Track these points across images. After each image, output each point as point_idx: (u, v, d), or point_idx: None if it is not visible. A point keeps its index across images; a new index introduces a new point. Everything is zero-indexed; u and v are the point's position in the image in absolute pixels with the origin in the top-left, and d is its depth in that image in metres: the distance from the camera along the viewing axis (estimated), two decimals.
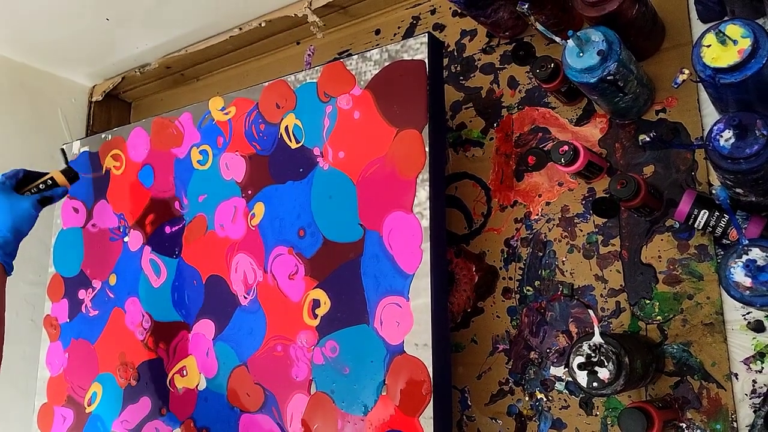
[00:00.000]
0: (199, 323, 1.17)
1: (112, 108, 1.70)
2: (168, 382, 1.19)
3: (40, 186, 1.14)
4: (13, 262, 1.09)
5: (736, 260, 0.67)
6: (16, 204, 1.09)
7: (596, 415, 0.92)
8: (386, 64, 1.02)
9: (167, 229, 1.26)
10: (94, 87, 1.67)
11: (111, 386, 1.27)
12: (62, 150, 1.26)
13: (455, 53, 1.17)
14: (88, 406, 1.30)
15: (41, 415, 1.37)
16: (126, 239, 1.32)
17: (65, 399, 1.34)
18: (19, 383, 1.43)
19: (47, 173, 1.16)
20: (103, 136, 1.43)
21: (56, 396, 1.36)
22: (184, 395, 1.16)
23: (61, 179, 1.15)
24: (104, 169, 1.39)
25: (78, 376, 1.34)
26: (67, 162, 1.22)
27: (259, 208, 1.12)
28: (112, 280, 1.33)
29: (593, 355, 0.74)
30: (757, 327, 0.83)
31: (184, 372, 1.17)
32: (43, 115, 1.57)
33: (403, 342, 0.92)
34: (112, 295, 1.32)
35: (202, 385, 1.14)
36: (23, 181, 1.14)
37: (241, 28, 1.39)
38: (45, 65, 1.56)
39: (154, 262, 1.26)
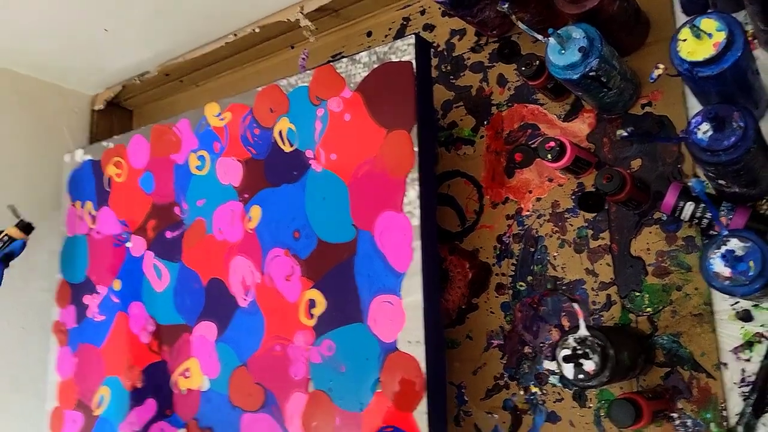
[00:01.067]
0: (201, 325, 1.19)
1: (114, 116, 1.73)
2: (172, 384, 1.21)
3: None
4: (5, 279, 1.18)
5: (715, 251, 0.68)
6: None
7: (589, 407, 0.94)
8: (375, 66, 1.03)
9: (168, 234, 1.28)
10: (95, 96, 1.70)
11: (117, 389, 1.30)
12: (11, 207, 1.30)
13: (445, 53, 1.19)
14: (96, 409, 1.33)
15: (53, 419, 1.41)
16: (129, 245, 1.35)
17: (75, 403, 1.37)
18: (32, 387, 1.46)
19: (1, 231, 1.25)
20: (104, 144, 1.45)
21: (66, 400, 1.39)
22: (188, 396, 1.18)
23: (16, 233, 1.25)
24: (105, 178, 1.42)
25: (86, 379, 1.37)
26: (17, 215, 1.29)
27: (256, 212, 1.14)
28: (117, 285, 1.36)
29: (579, 347, 0.75)
30: (745, 316, 0.83)
31: (188, 373, 1.19)
32: (48, 125, 1.60)
33: (396, 339, 0.93)
34: (116, 300, 1.35)
35: (205, 386, 1.16)
36: None
37: (235, 34, 1.41)
38: (47, 76, 1.59)
39: (156, 266, 1.29)
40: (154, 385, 1.24)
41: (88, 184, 1.46)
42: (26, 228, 1.27)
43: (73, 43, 1.44)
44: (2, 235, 1.25)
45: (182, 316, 1.22)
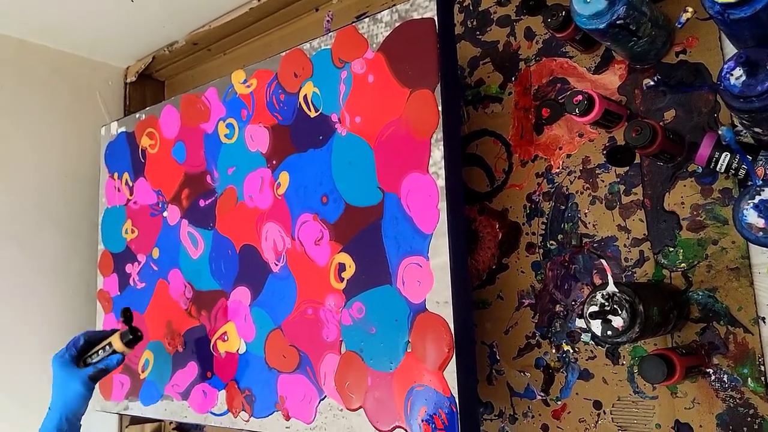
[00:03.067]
0: (236, 291, 1.22)
1: (146, 87, 1.75)
2: (211, 347, 1.25)
3: (100, 352, 1.12)
4: None
5: (749, 201, 0.66)
6: (69, 384, 1.09)
7: (623, 364, 0.93)
8: (396, 24, 1.01)
9: (201, 203, 1.30)
10: (127, 69, 1.72)
11: (161, 353, 1.35)
12: (124, 310, 1.16)
13: (470, 7, 1.15)
14: (142, 372, 1.38)
15: (101, 382, 1.46)
16: (165, 214, 1.38)
17: (122, 366, 1.42)
18: None
19: (110, 336, 1.13)
20: (137, 116, 1.48)
21: None
22: (227, 359, 1.21)
23: (118, 346, 1.13)
24: (140, 149, 1.45)
25: None
26: (128, 321, 1.15)
27: (284, 178, 1.15)
28: (155, 253, 1.39)
29: (606, 304, 0.74)
30: None
31: (225, 337, 1.22)
32: (83, 99, 1.64)
33: (425, 300, 0.94)
34: (156, 268, 1.39)
35: (243, 349, 1.19)
36: (85, 347, 1.14)
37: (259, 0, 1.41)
38: (79, 50, 1.61)
39: (192, 234, 1.32)
40: (195, 349, 1.28)
41: (123, 155, 1.49)
42: (131, 342, 1.13)
43: (101, 16, 1.46)
44: (107, 341, 1.13)
45: (218, 282, 1.25)
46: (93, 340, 1.15)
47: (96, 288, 1.53)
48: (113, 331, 1.16)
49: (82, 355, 1.14)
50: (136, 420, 1.59)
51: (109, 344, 1.13)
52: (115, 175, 1.52)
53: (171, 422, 1.56)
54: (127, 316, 1.15)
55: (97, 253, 1.53)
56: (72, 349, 1.13)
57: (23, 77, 1.51)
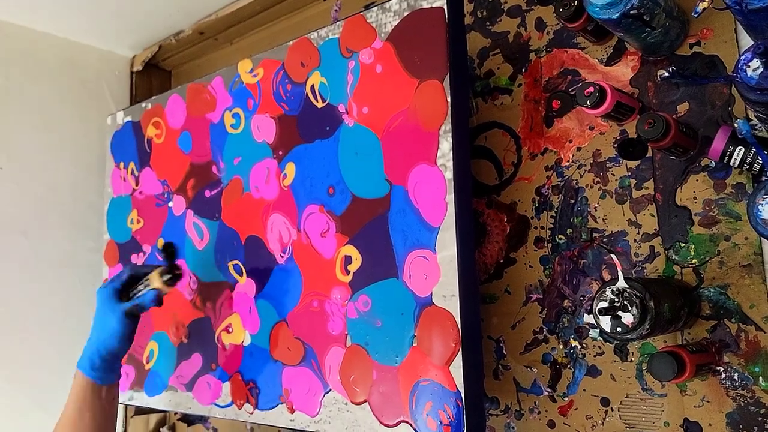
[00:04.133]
0: (241, 282, 1.21)
1: (153, 77, 1.74)
2: (216, 339, 1.24)
3: (140, 287, 1.08)
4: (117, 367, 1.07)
5: (765, 196, 0.64)
6: (105, 318, 1.05)
7: (631, 360, 0.91)
8: (405, 13, 1.00)
9: (207, 193, 1.30)
10: (134, 57, 1.71)
11: (166, 344, 1.34)
12: (166, 245, 1.11)
13: None
14: (147, 363, 1.38)
15: None
16: (170, 204, 1.37)
17: (126, 356, 1.42)
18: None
19: (151, 272, 1.08)
20: (143, 105, 1.47)
21: None
22: (231, 351, 1.21)
23: (157, 283, 1.07)
24: (146, 139, 1.44)
25: (136, 335, 1.41)
26: (170, 258, 1.09)
27: (290, 169, 1.14)
28: (161, 244, 1.39)
29: (616, 300, 0.72)
30: None
31: (230, 329, 1.22)
32: (89, 88, 1.63)
33: (431, 294, 0.92)
34: (161, 259, 1.38)
35: (247, 341, 1.18)
36: (129, 281, 1.09)
37: None
38: (85, 39, 1.61)
39: (197, 225, 1.31)
40: (200, 340, 1.28)
41: (129, 145, 1.49)
42: (170, 280, 1.07)
43: (108, 4, 1.45)
44: (146, 279, 1.08)
45: (223, 273, 1.24)
46: (138, 274, 1.10)
47: (102, 278, 1.52)
48: (157, 267, 1.10)
49: (126, 289, 1.09)
50: (141, 410, 1.59)
51: (147, 281, 1.08)
52: (121, 165, 1.51)
53: (176, 413, 1.56)
54: (169, 251, 1.10)
55: (103, 242, 1.53)
56: (116, 281, 1.08)
57: (30, 66, 1.51)
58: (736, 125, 0.66)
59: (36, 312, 1.47)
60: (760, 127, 0.80)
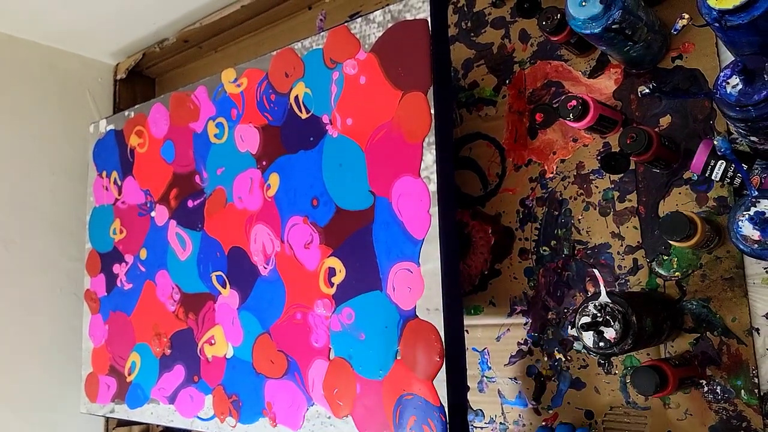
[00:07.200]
0: (224, 293, 1.20)
1: (136, 85, 1.73)
2: (199, 351, 1.23)
3: None
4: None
5: (744, 213, 0.64)
6: None
7: (615, 373, 0.91)
8: (389, 25, 1.00)
9: (190, 203, 1.28)
10: (117, 65, 1.70)
11: (148, 356, 1.33)
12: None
13: (465, 9, 1.14)
14: (129, 375, 1.36)
15: (88, 384, 1.45)
16: (153, 214, 1.36)
17: (108, 368, 1.41)
18: (69, 354, 1.51)
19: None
20: (126, 113, 1.46)
21: (100, 366, 1.43)
22: (214, 363, 1.19)
23: None
24: (128, 148, 1.43)
25: (118, 346, 1.40)
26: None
27: (274, 179, 1.13)
28: (143, 254, 1.37)
29: (599, 315, 0.72)
30: None
31: (213, 341, 1.20)
32: (72, 96, 1.61)
33: (415, 307, 0.92)
34: (143, 269, 1.37)
35: (230, 354, 1.17)
36: None
37: None
38: (69, 46, 1.59)
39: (180, 235, 1.29)
40: (182, 352, 1.26)
41: (112, 154, 1.47)
42: None
43: (91, 12, 1.43)
44: None
45: (206, 284, 1.23)
46: None
47: (83, 288, 1.50)
48: None
49: None
50: (123, 422, 1.57)
51: None
52: (104, 174, 1.49)
53: (158, 426, 1.54)
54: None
55: (85, 252, 1.51)
56: None
57: (12, 73, 1.49)
58: (715, 143, 0.66)
59: (16, 321, 1.44)
60: (741, 141, 0.81)
